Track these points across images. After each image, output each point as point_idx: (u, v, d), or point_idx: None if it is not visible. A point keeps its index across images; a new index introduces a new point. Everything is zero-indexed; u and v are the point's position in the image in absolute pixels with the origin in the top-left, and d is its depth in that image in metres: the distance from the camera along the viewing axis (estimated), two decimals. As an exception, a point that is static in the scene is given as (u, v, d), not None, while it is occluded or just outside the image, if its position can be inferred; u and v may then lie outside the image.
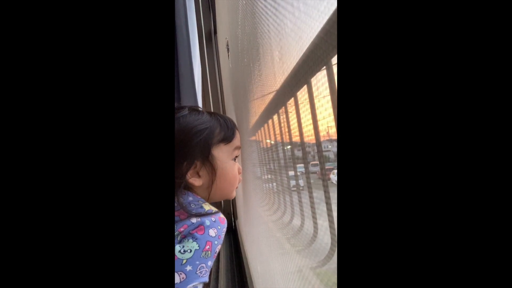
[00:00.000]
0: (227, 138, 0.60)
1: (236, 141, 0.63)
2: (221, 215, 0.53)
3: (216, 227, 0.50)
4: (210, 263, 0.49)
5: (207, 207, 0.54)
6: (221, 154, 0.59)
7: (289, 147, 0.60)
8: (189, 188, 0.58)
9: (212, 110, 1.82)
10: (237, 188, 0.66)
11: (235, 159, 0.63)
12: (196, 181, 0.57)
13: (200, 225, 0.49)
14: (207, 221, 0.50)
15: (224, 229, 0.52)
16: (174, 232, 0.48)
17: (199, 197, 0.57)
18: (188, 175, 0.56)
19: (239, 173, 0.64)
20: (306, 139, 0.47)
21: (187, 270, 0.46)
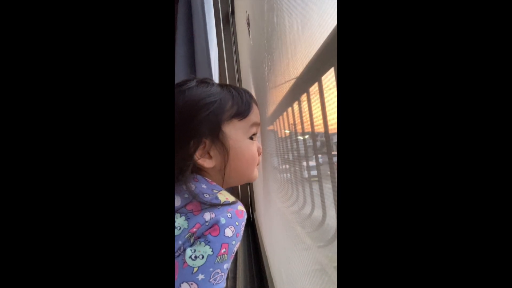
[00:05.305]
0: (242, 113, 0.52)
1: (254, 116, 0.54)
2: (239, 207, 0.46)
3: (233, 225, 0.44)
4: (227, 266, 0.43)
5: (223, 197, 0.47)
6: (235, 131, 0.51)
7: (307, 136, 0.55)
8: (200, 170, 0.50)
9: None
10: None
11: (252, 138, 0.54)
12: (206, 162, 0.49)
13: (214, 225, 0.43)
14: (222, 219, 0.43)
15: (243, 223, 0.46)
16: (174, 231, 0.42)
17: (213, 184, 0.50)
18: (197, 155, 0.48)
19: (259, 153, 0.56)
20: (330, 129, 0.42)
21: (199, 279, 0.40)
